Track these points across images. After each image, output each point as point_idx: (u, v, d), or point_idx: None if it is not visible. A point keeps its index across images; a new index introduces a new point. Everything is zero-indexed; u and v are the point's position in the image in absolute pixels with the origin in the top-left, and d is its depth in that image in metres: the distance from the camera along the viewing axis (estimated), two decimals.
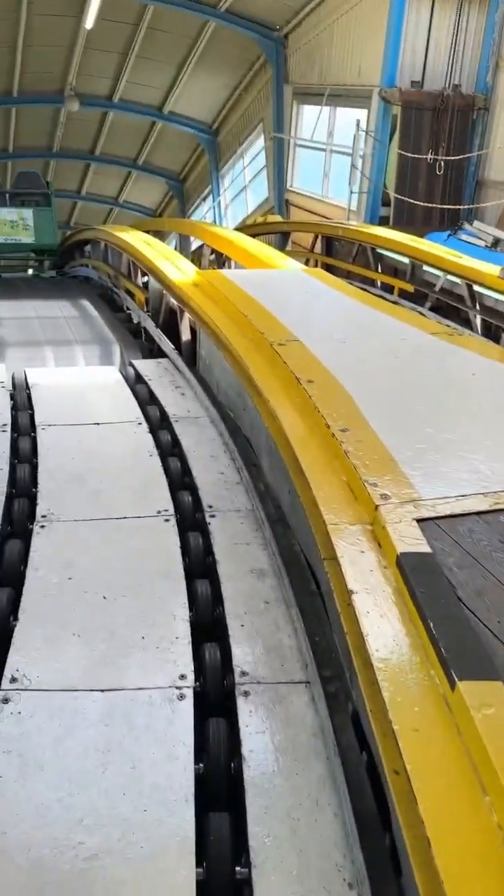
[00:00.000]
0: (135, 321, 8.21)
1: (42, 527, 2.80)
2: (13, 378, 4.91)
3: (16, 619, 2.22)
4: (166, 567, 2.53)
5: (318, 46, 13.44)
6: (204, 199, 22.18)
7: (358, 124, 11.84)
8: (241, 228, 14.57)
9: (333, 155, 13.64)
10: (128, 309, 8.79)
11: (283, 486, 2.91)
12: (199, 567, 2.65)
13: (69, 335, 7.94)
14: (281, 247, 13.38)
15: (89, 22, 14.58)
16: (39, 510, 2.93)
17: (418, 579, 1.39)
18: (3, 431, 3.93)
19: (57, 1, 14.44)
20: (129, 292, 8.92)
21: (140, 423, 4.12)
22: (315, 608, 2.12)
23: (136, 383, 4.97)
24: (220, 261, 10.28)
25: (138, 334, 7.59)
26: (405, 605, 1.39)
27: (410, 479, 1.85)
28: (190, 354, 5.74)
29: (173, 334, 6.31)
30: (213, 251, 9.91)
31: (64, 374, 5.62)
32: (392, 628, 1.35)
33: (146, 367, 5.36)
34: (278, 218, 13.85)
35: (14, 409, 4.39)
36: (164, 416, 4.35)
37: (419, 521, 1.62)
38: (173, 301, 6.47)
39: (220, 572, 2.51)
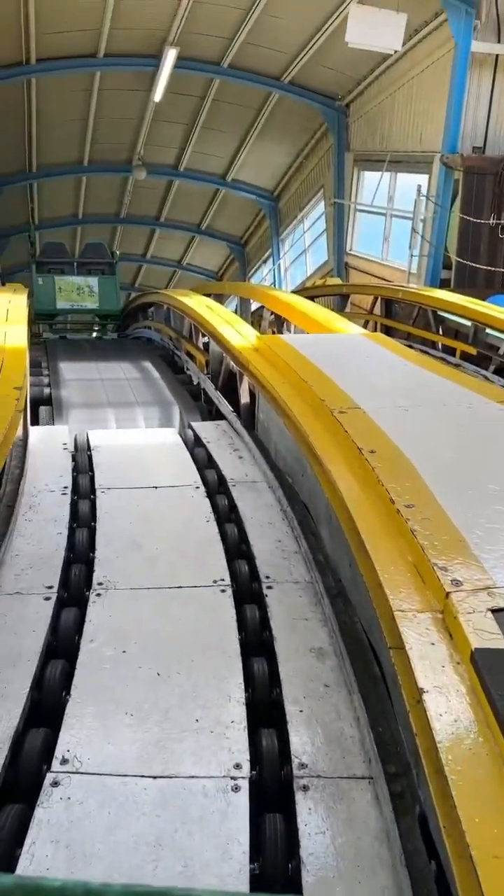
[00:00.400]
0: (195, 383, 8.30)
1: (98, 595, 2.77)
2: (76, 440, 4.94)
3: (68, 693, 2.17)
4: (222, 642, 2.45)
5: (380, 114, 13.78)
6: (264, 262, 22.67)
7: (419, 189, 12.00)
8: (301, 291, 14.79)
9: (394, 219, 13.81)
10: (188, 370, 8.92)
11: (343, 559, 2.82)
12: (256, 642, 2.56)
13: (131, 397, 8.09)
14: (340, 309, 13.49)
15: (158, 95, 15.30)
16: (96, 577, 2.91)
17: (495, 680, 1.29)
18: (64, 494, 3.96)
19: (128, 77, 15.22)
20: (189, 354, 9.07)
21: (198, 487, 4.10)
22: (378, 695, 2.01)
23: (195, 446, 5.01)
24: (280, 323, 10.41)
25: (198, 396, 7.62)
26: (481, 709, 1.29)
27: (483, 563, 1.75)
28: (248, 417, 5.76)
29: (232, 396, 6.32)
30: (272, 314, 10.04)
31: (125, 436, 5.64)
32: (468, 735, 1.25)
33: (205, 429, 5.42)
34: (338, 281, 14.02)
35: (76, 470, 4.41)
36: (221, 479, 4.32)
37: (494, 611, 1.52)
38: (233, 364, 6.53)
39: (278, 650, 2.43)
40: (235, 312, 13.43)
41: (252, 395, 5.91)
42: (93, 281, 14.28)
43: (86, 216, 22.67)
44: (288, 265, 20.44)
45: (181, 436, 5.35)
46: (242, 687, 2.21)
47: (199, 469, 4.45)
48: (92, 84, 15.22)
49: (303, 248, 18.91)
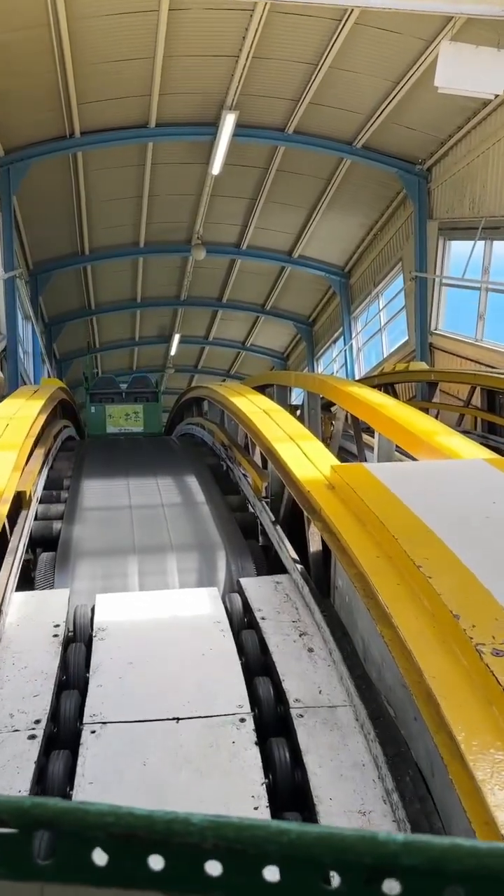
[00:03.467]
0: (249, 508, 6.44)
1: None
2: (74, 617, 3.74)
3: None
4: None
5: (470, 176, 12.07)
6: (334, 342, 21.07)
7: None
8: (379, 376, 12.92)
9: (489, 293, 11.87)
10: (241, 490, 7.06)
11: None
12: None
13: (164, 534, 6.16)
14: (428, 398, 11.49)
15: (216, 168, 14.12)
16: None
17: None
18: (32, 738, 2.53)
19: (182, 150, 14.15)
20: (244, 470, 7.19)
21: (243, 720, 2.73)
22: None
23: (244, 627, 3.77)
24: (356, 425, 8.46)
25: (253, 528, 5.93)
26: None
27: None
28: (320, 574, 4.19)
29: (297, 534, 4.69)
30: (348, 414, 8.13)
31: (145, 607, 4.01)
32: None
33: (258, 591, 4.11)
34: (423, 366, 12.08)
35: (61, 682, 3.02)
36: (281, 698, 2.93)
37: None
38: (298, 499, 4.67)
39: None
40: (302, 408, 11.63)
41: (325, 543, 4.06)
42: (139, 408, 16.10)
43: (144, 300, 21.74)
44: (361, 346, 18.71)
45: (225, 603, 4.02)
46: None
47: (247, 674, 3.18)
48: (144, 158, 14.16)
49: (378, 327, 17.14)
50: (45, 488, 7.42)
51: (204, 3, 9.50)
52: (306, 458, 5.16)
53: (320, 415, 9.57)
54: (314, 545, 4.46)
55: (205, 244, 17.82)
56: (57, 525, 6.19)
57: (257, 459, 6.99)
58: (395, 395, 12.03)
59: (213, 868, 0.50)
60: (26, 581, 4.98)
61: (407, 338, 15.12)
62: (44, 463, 7.65)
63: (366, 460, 7.86)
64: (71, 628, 3.64)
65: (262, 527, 5.79)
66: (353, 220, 16.56)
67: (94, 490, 7.38)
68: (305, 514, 4.49)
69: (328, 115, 12.70)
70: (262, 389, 11.89)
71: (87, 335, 23.91)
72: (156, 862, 0.50)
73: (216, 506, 6.73)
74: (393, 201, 15.25)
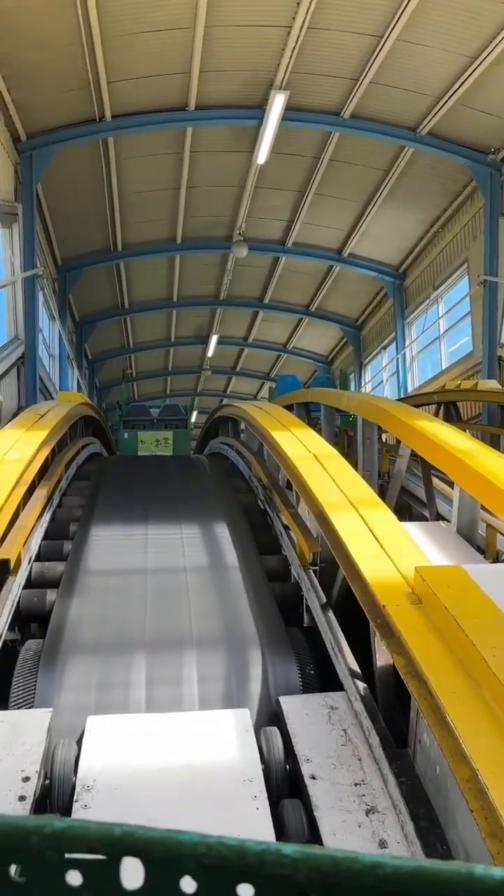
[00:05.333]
0: (292, 578, 5.17)
1: None
2: (53, 761, 2.84)
3: None
4: None
5: None
6: (384, 348, 19.58)
7: None
8: (438, 393, 11.48)
9: None
10: (283, 549, 5.79)
11: None
12: None
13: (184, 618, 4.84)
14: (499, 422, 9.99)
15: (262, 157, 12.80)
16: None
17: None
18: None
19: (224, 136, 12.85)
20: (286, 523, 5.89)
21: None
22: None
23: (284, 794, 2.77)
24: (426, 469, 7.04)
25: (295, 601, 4.76)
26: None
27: None
28: (391, 704, 3.08)
29: (354, 619, 3.58)
30: (415, 455, 6.75)
31: (150, 747, 3.00)
32: None
33: (306, 725, 3.10)
34: (495, 385, 10.57)
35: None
36: None
37: None
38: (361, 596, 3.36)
39: None
40: (343, 432, 10.23)
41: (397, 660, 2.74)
42: (168, 434, 17.05)
43: (181, 299, 20.64)
44: (415, 354, 17.19)
45: (260, 743, 3.02)
46: None
47: None
48: (182, 144, 12.88)
49: (437, 335, 15.62)
50: (47, 537, 6.20)
51: None
52: (376, 543, 3.84)
53: (377, 446, 8.14)
54: (382, 657, 3.21)
55: (247, 241, 16.52)
56: (53, 595, 4.94)
57: (303, 511, 5.64)
58: (457, 415, 10.58)
59: None
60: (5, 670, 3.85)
61: (471, 349, 13.60)
62: (45, 507, 6.39)
63: (437, 514, 6.45)
64: (47, 778, 2.79)
65: (308, 604, 4.50)
66: (412, 216, 15.07)
67: (105, 542, 6.11)
68: (372, 625, 3.20)
69: (391, 96, 11.24)
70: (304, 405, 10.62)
71: (121, 338, 22.92)
72: (245, 891, 0.51)
73: (250, 571, 5.40)
74: (459, 195, 13.72)
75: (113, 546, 6.03)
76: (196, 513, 7.14)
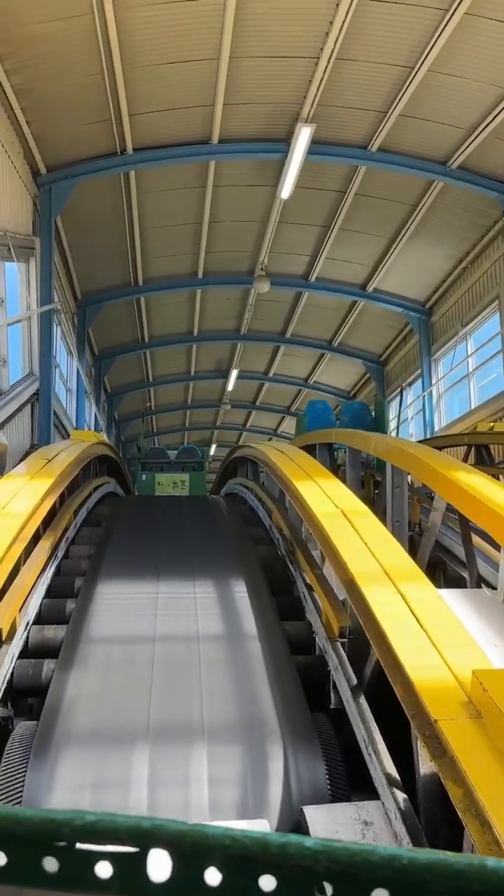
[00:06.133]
0: (317, 649, 4.64)
1: None
2: None
3: None
4: None
5: None
6: (409, 385, 19.02)
7: None
8: (469, 435, 10.93)
9: None
10: (306, 615, 5.29)
11: None
12: None
13: (195, 702, 4.32)
14: None
15: (286, 192, 12.48)
16: None
17: None
18: None
19: (248, 169, 12.57)
20: (310, 584, 5.39)
21: None
22: None
23: None
24: (465, 523, 6.47)
25: (321, 675, 4.21)
26: None
27: None
28: (434, 819, 2.61)
29: (388, 708, 3.05)
30: (448, 505, 6.18)
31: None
32: None
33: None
34: None
35: None
36: None
37: None
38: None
39: None
40: (371, 475, 9.66)
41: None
42: (185, 477, 17.70)
43: (201, 333, 20.38)
44: (442, 392, 16.64)
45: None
46: None
47: None
48: (205, 178, 12.59)
49: (465, 373, 15.09)
50: (49, 594, 5.71)
51: None
52: (419, 629, 3.30)
53: (407, 494, 7.58)
54: (426, 765, 2.65)
55: (269, 275, 16.17)
56: (51, 666, 4.43)
57: (329, 573, 5.10)
58: (489, 458, 10.00)
59: (325, 890, 0.52)
60: None
61: (503, 389, 13.04)
62: (49, 562, 5.89)
63: (478, 576, 5.85)
64: None
65: (335, 681, 3.97)
66: (440, 252, 14.64)
67: (111, 602, 5.60)
68: (417, 732, 2.66)
69: (420, 129, 10.88)
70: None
71: (141, 371, 22.68)
72: (268, 882, 0.52)
73: (270, 642, 4.85)
74: (490, 230, 13.26)
75: (120, 607, 5.51)
76: (212, 567, 6.59)
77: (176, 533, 8.01)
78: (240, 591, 5.89)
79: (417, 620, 3.35)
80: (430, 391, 16.71)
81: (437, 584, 7.56)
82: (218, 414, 28.69)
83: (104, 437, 16.02)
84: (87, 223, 13.47)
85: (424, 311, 16.99)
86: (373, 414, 13.93)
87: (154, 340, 20.29)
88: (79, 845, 0.51)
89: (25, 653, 4.67)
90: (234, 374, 23.31)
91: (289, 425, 29.69)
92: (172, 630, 5.05)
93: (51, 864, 0.51)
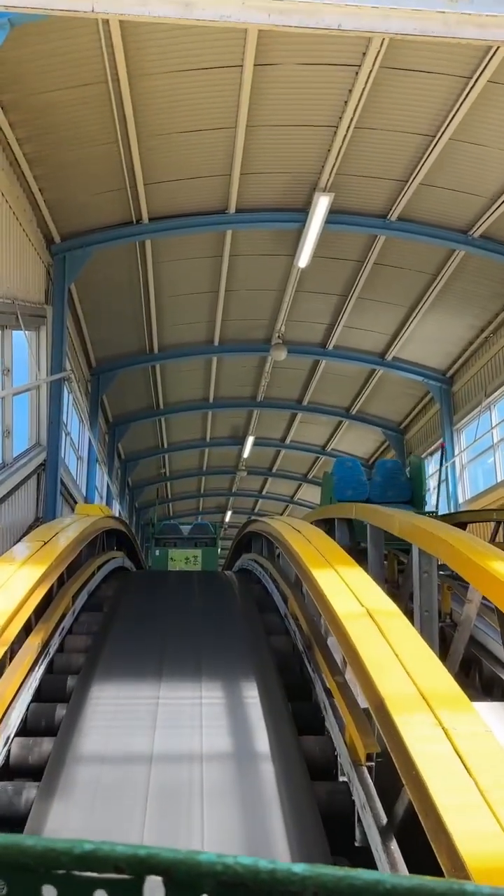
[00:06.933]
0: (339, 770, 3.99)
1: None
2: None
3: None
4: None
5: None
6: (431, 454, 18.49)
7: None
8: (497, 511, 10.34)
9: None
10: (326, 728, 4.66)
11: None
12: None
13: (194, 846, 3.59)
14: None
15: (303, 261, 12.26)
16: None
17: None
18: None
19: (265, 239, 12.41)
20: (329, 689, 4.81)
21: None
22: None
23: None
24: (501, 617, 5.82)
25: (347, 813, 3.55)
26: None
27: None
28: None
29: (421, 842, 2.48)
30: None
31: None
32: None
33: None
34: None
35: None
36: None
37: None
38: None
39: None
40: (402, 557, 9.00)
41: None
42: (198, 552, 17.87)
43: (217, 400, 20.13)
44: (465, 463, 16.06)
45: None
46: None
47: None
48: (222, 248, 12.41)
49: (490, 444, 14.53)
50: (38, 696, 5.12)
51: (298, 56, 7.66)
52: (468, 778, 2.66)
53: (436, 580, 6.91)
54: None
55: (286, 343, 15.90)
56: (32, 793, 3.84)
57: (352, 680, 4.46)
58: None
59: None
60: None
61: None
62: (38, 660, 5.30)
63: None
64: None
65: (359, 815, 3.39)
66: (461, 321, 14.31)
67: (106, 710, 4.98)
68: None
69: (441, 198, 10.64)
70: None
71: (156, 438, 22.42)
72: None
73: (286, 765, 4.21)
74: None
75: (115, 717, 4.88)
76: (221, 665, 5.95)
77: (183, 620, 7.38)
78: (251, 696, 5.25)
79: (465, 766, 2.73)
80: (453, 462, 16.15)
81: (472, 685, 6.82)
82: (234, 480, 28.27)
83: (111, 509, 15.57)
84: (102, 290, 13.30)
85: (445, 380, 16.59)
86: (407, 474, 12.12)
87: (169, 407, 20.05)
88: (77, 873, 0.53)
89: (6, 770, 4.09)
90: (250, 440, 23.00)
91: (306, 492, 29.19)
92: (172, 748, 4.43)
93: (50, 893, 0.53)
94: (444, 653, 6.32)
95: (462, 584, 6.89)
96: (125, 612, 7.55)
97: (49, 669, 5.61)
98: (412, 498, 11.08)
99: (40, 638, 5.35)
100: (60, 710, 4.85)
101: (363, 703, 3.92)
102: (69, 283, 11.31)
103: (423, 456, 17.06)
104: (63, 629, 6.30)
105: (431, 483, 18.14)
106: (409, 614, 6.79)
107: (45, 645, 5.48)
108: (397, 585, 8.56)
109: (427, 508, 12.01)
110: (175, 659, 6.05)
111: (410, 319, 14.66)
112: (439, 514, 10.44)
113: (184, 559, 17.53)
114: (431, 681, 3.46)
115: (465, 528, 8.47)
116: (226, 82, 8.11)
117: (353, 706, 4.11)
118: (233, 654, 6.22)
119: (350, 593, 4.81)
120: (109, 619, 7.11)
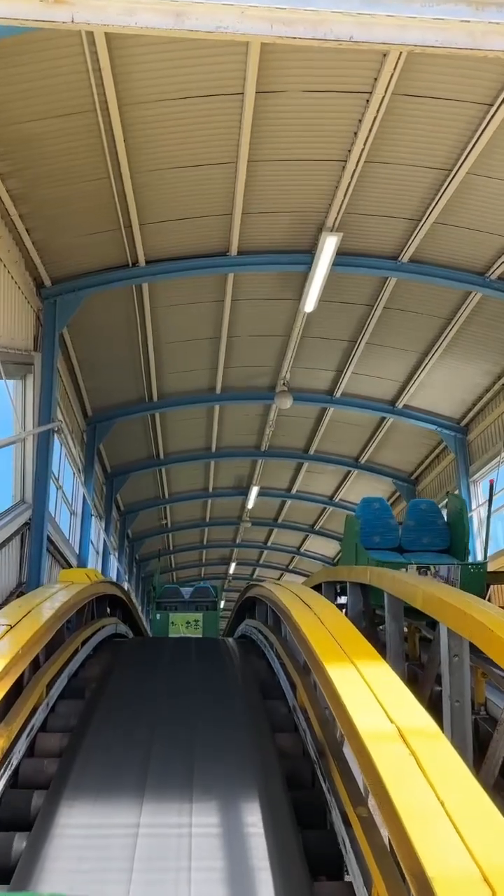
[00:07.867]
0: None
1: None
2: None
3: None
4: None
5: None
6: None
7: None
8: None
9: None
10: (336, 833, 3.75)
11: None
12: None
13: None
14: None
15: (309, 305, 11.67)
16: None
17: None
18: None
19: (269, 282, 11.85)
20: (349, 819, 3.87)
21: None
22: None
23: None
24: None
25: None
26: None
27: None
28: None
29: None
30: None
31: None
32: None
33: None
34: None
35: None
36: None
37: None
38: None
39: None
40: (424, 632, 8.01)
41: None
42: (199, 616, 17.92)
43: (220, 449, 19.51)
44: (483, 517, 15.13)
45: None
46: None
47: None
48: (223, 292, 11.82)
49: None
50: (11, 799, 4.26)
51: (303, 82, 7.06)
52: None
53: (468, 665, 5.92)
54: None
55: (291, 391, 15.22)
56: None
57: (375, 810, 3.53)
58: None
59: None
60: None
61: None
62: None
63: None
64: None
65: None
66: (476, 367, 13.62)
67: (73, 845, 4.13)
68: None
69: (457, 237, 10.01)
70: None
71: (156, 488, 21.69)
72: None
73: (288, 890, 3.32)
74: None
75: (81, 857, 3.98)
76: (218, 774, 5.02)
77: (175, 712, 6.43)
78: (253, 823, 4.33)
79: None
80: (471, 516, 15.25)
81: None
82: (238, 531, 27.44)
83: (101, 572, 14.73)
84: (97, 337, 12.66)
85: (460, 429, 15.82)
86: (444, 518, 10.08)
87: (170, 457, 19.33)
88: None
89: None
90: (254, 490, 22.31)
91: (312, 543, 28.31)
92: (162, 818, 3.59)
93: None
94: (479, 752, 5.38)
95: (500, 670, 5.96)
96: (109, 701, 6.61)
97: (13, 782, 4.71)
98: (451, 546, 9.65)
99: (5, 738, 4.47)
100: (20, 842, 3.96)
101: (383, 826, 3.04)
102: (60, 328, 10.64)
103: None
104: (33, 728, 5.39)
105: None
106: (434, 699, 5.83)
107: (7, 754, 4.58)
108: (420, 664, 7.61)
109: (472, 558, 10.58)
110: (163, 765, 5.13)
111: (423, 365, 13.96)
112: (487, 567, 8.95)
113: (184, 623, 17.62)
114: (494, 849, 2.54)
115: None
116: (225, 112, 7.51)
117: (381, 856, 3.20)
118: (232, 757, 5.29)
119: (374, 700, 3.88)
120: (91, 710, 6.18)
